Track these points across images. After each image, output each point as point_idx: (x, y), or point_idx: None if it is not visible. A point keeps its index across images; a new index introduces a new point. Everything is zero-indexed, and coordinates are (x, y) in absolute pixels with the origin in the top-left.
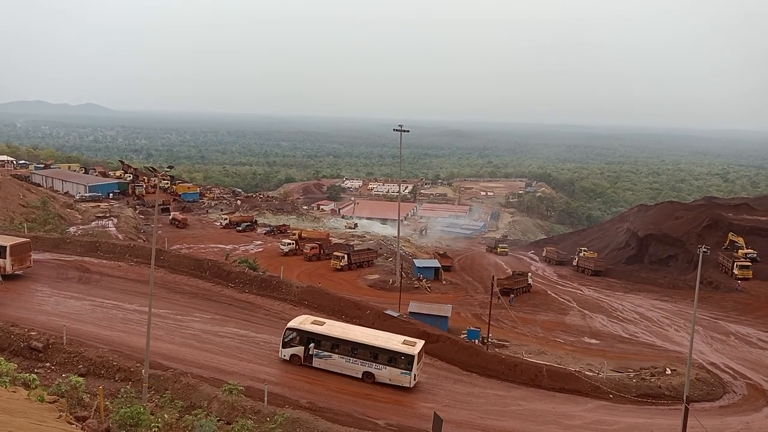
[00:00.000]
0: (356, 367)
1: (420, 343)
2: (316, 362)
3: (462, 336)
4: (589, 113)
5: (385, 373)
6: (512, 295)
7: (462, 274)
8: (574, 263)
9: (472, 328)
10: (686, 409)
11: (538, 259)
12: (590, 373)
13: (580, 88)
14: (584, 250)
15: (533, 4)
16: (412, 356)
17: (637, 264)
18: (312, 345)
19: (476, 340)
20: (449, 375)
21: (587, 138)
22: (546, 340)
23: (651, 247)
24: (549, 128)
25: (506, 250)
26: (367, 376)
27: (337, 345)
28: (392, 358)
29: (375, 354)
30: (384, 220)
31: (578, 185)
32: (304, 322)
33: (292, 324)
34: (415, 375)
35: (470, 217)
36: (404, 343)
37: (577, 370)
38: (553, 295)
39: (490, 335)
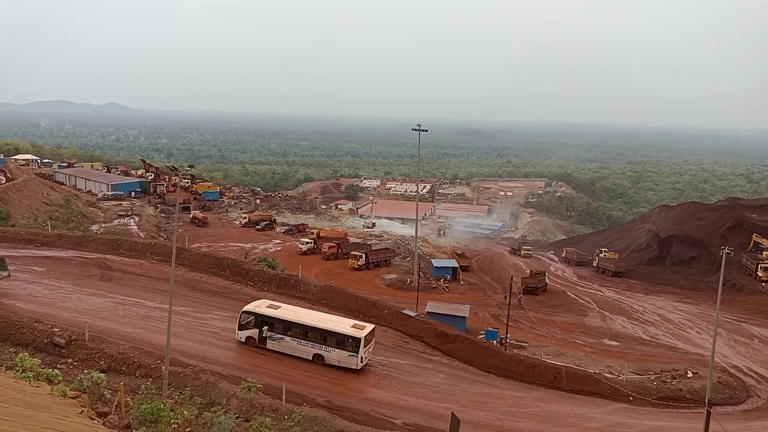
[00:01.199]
0: (307, 350)
1: (369, 327)
2: (270, 344)
3: (480, 336)
4: (610, 112)
5: (333, 355)
6: (520, 295)
7: (480, 274)
8: (594, 264)
9: (490, 328)
10: (708, 413)
11: (557, 260)
12: (610, 375)
13: (600, 87)
14: (604, 251)
15: (550, 2)
16: (359, 339)
17: (658, 265)
18: (266, 328)
19: (494, 341)
20: (467, 375)
21: (607, 137)
22: (565, 342)
23: (673, 249)
24: (568, 127)
25: (530, 251)
26: (317, 358)
27: (289, 328)
28: (340, 340)
29: (324, 337)
30: (402, 220)
31: (599, 185)
32: (259, 305)
33: (247, 307)
34: (362, 357)
35: (489, 217)
36: (353, 326)
37: (597, 372)
38: (572, 296)
39: (508, 336)
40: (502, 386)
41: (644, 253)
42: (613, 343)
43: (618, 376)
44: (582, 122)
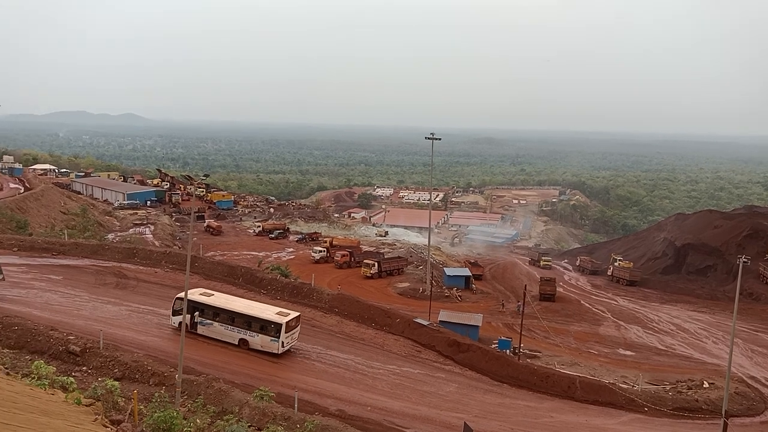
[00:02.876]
0: (233, 335)
1: (293, 314)
2: (200, 329)
3: (493, 346)
4: (624, 120)
5: (257, 340)
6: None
7: (493, 283)
8: (609, 273)
9: (503, 338)
10: (725, 424)
11: (571, 269)
12: (625, 386)
13: (615, 95)
14: (619, 260)
15: (561, 11)
16: (281, 324)
17: (674, 274)
18: (197, 313)
19: (507, 350)
20: (479, 385)
21: (622, 145)
22: (579, 351)
23: (689, 257)
24: (583, 135)
25: (550, 262)
26: (243, 343)
27: (218, 314)
28: (264, 326)
29: (249, 322)
30: (415, 228)
31: (613, 193)
32: (193, 293)
33: (180, 294)
34: (283, 342)
35: (502, 225)
36: (277, 313)
37: (611, 382)
38: (586, 305)
39: (521, 345)
40: (515, 396)
41: (659, 262)
42: (628, 352)
43: (633, 386)
44: (596, 130)
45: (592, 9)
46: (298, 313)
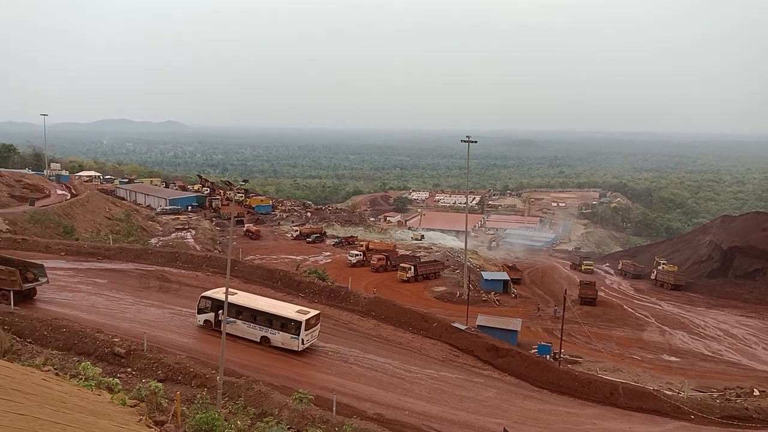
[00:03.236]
0: (256, 332)
1: (313, 312)
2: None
3: (532, 351)
4: (666, 121)
5: (278, 337)
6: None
7: (532, 287)
8: (652, 277)
9: (543, 343)
10: None
11: (613, 272)
12: (670, 393)
13: (656, 95)
14: (663, 263)
15: (603, 12)
16: (300, 322)
17: (720, 278)
18: (221, 312)
19: (547, 356)
20: (519, 391)
21: (664, 146)
22: (622, 357)
23: (736, 260)
24: (623, 136)
25: (592, 267)
26: (264, 341)
27: (240, 312)
28: (284, 323)
29: (270, 320)
30: (451, 232)
31: (656, 195)
32: (217, 292)
33: (205, 293)
34: (303, 340)
35: (541, 228)
36: (298, 311)
37: (656, 388)
38: (629, 309)
39: (562, 350)
40: (556, 402)
41: (705, 266)
42: (673, 358)
43: (678, 393)
44: (637, 131)
45: (628, 8)
46: (318, 312)
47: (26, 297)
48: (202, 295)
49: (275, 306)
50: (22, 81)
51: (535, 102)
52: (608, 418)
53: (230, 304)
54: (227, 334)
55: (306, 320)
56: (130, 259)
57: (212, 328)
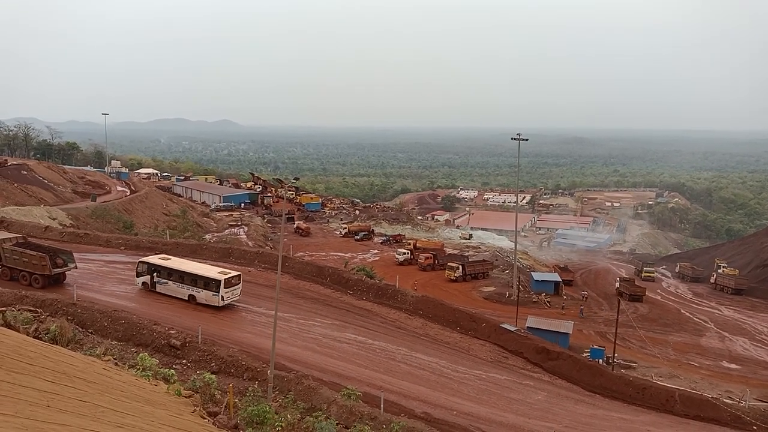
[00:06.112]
0: (184, 291)
1: (233, 273)
2: (158, 288)
3: (585, 354)
4: (727, 117)
5: (202, 295)
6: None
7: (585, 288)
8: (712, 280)
9: (595, 346)
10: None
11: (670, 275)
12: (730, 401)
13: (716, 92)
14: (723, 266)
15: (651, 7)
16: (220, 281)
17: None
18: (155, 274)
19: (600, 360)
20: (570, 395)
21: (725, 144)
22: (678, 363)
23: None
24: (681, 134)
25: (653, 274)
26: (191, 298)
27: (171, 274)
28: (207, 283)
29: (195, 280)
30: (500, 231)
31: (716, 196)
32: (152, 258)
33: (142, 259)
34: (222, 297)
35: (594, 229)
36: (218, 272)
37: (715, 396)
38: (686, 314)
39: (615, 355)
40: (609, 408)
41: None
42: (733, 366)
43: (739, 402)
44: (696, 128)
45: (682, 4)
46: (239, 273)
47: (56, 281)
48: (140, 260)
49: (200, 268)
50: (84, 82)
51: (590, 100)
52: (664, 425)
53: (162, 267)
54: (161, 294)
55: (225, 279)
56: (186, 254)
57: (149, 289)
